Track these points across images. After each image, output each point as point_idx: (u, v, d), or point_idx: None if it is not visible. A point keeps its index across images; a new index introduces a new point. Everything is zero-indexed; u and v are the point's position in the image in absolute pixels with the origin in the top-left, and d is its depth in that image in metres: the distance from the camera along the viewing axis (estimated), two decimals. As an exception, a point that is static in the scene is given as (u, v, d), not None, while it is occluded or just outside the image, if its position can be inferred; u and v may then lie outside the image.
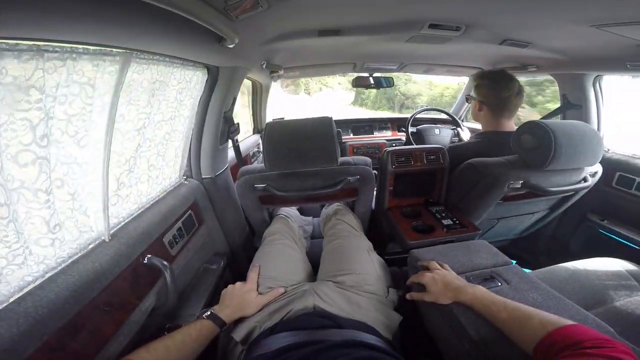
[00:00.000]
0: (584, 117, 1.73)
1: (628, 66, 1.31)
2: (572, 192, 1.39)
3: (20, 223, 0.61)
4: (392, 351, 0.74)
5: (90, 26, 0.57)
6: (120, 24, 0.62)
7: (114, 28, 0.62)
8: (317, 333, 0.75)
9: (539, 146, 1.16)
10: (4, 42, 0.49)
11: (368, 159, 1.39)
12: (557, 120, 1.81)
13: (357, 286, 0.95)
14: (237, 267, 1.58)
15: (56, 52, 0.57)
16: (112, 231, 0.86)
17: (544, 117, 1.88)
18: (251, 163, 2.28)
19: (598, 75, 1.67)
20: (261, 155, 2.50)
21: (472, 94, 1.60)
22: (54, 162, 0.66)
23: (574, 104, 1.74)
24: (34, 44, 0.52)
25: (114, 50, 0.70)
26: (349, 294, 0.92)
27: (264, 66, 1.67)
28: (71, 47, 0.60)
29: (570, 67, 1.61)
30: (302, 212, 2.07)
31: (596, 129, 1.65)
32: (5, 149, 0.56)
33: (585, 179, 1.34)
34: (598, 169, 1.39)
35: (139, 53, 0.78)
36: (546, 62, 1.64)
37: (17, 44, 0.50)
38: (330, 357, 0.64)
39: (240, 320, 0.87)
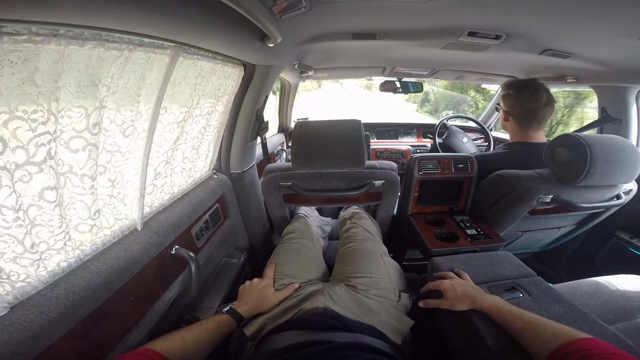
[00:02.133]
0: (623, 131, 1.67)
1: None
2: (603, 209, 1.33)
3: (65, 207, 0.63)
4: (397, 356, 0.74)
5: (147, 17, 0.60)
6: (172, 15, 0.64)
7: (166, 20, 0.64)
8: (325, 334, 0.75)
9: (573, 160, 1.12)
10: (71, 30, 0.51)
11: (394, 164, 1.39)
12: (593, 133, 1.75)
13: (369, 289, 0.94)
14: (255, 263, 1.60)
15: (115, 42, 0.59)
16: (144, 220, 0.88)
17: (579, 130, 1.82)
18: (275, 161, 2.31)
19: None
20: (284, 153, 2.53)
21: (500, 103, 1.56)
22: (100, 149, 0.69)
23: (614, 118, 1.68)
24: (97, 33, 0.55)
25: (165, 43, 0.73)
26: (360, 296, 0.92)
27: (296, 66, 1.69)
28: (129, 38, 0.62)
29: (612, 79, 1.56)
30: (320, 212, 2.08)
31: (635, 145, 1.59)
32: (59, 135, 0.58)
33: (618, 196, 1.29)
34: (633, 187, 1.33)
35: (187, 47, 0.81)
36: (586, 73, 1.59)
37: (83, 32, 0.53)
38: (334, 359, 0.65)
39: (252, 317, 0.88)
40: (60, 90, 0.54)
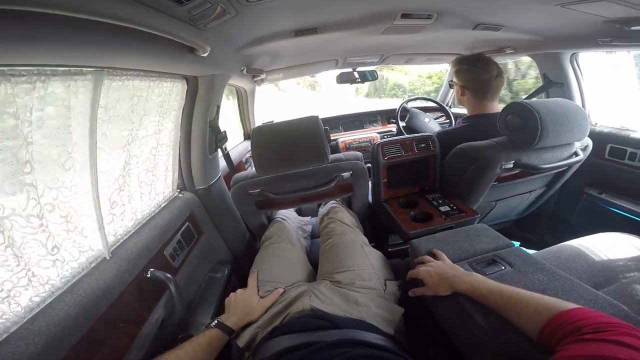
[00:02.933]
0: (567, 94, 1.75)
1: (599, 42, 1.32)
2: (566, 167, 1.39)
3: (18, 247, 0.63)
4: (391, 347, 0.74)
5: (56, 48, 0.58)
6: (86, 43, 0.62)
7: (80, 48, 0.62)
8: (314, 334, 0.75)
9: (525, 126, 1.16)
10: None
11: (359, 154, 1.40)
12: (540, 99, 1.83)
13: (353, 283, 0.94)
14: (241, 273, 1.58)
15: (23, 75, 0.57)
16: (112, 249, 0.88)
17: (527, 97, 1.89)
18: (245, 169, 2.28)
19: (574, 53, 1.68)
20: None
21: (454, 79, 1.61)
22: (41, 188, 0.67)
23: (555, 82, 1.76)
24: None
25: (84, 69, 0.71)
26: (345, 291, 0.91)
27: (244, 71, 1.67)
28: (38, 70, 0.60)
29: (545, 46, 1.63)
30: (300, 212, 2.08)
31: (580, 105, 1.67)
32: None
33: (576, 153, 1.35)
34: (588, 142, 1.40)
35: (111, 70, 0.79)
36: (521, 43, 1.66)
37: None
38: (326, 357, 0.65)
39: (243, 327, 0.88)
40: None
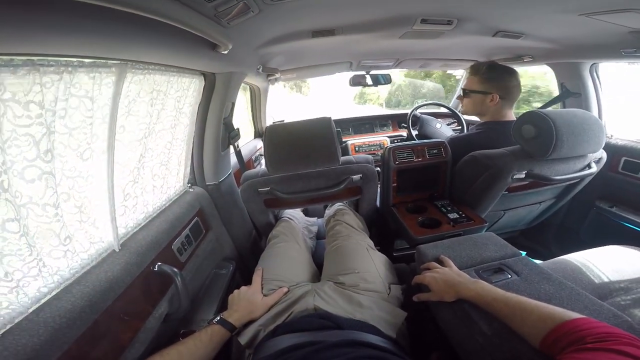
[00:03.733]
0: (584, 104, 1.72)
1: (623, 53, 1.30)
2: (578, 180, 1.37)
3: (32, 237, 0.63)
4: (393, 349, 0.74)
5: (83, 39, 0.58)
6: (113, 35, 0.63)
7: (106, 40, 0.63)
8: (317, 334, 0.76)
9: (540, 136, 1.15)
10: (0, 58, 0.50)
11: (369, 157, 1.40)
12: (556, 109, 1.81)
13: (357, 285, 0.95)
14: (246, 271, 1.59)
15: (51, 65, 0.58)
16: (121, 241, 0.88)
17: (543, 107, 1.87)
18: (254, 167, 2.29)
19: (594, 63, 1.66)
20: (263, 158, 2.52)
21: (477, 87, 1.56)
22: (59, 177, 0.68)
23: (573, 92, 1.73)
24: (28, 59, 0.53)
25: (109, 61, 0.71)
26: (349, 293, 0.92)
27: (260, 70, 1.68)
28: (66, 61, 0.61)
29: (565, 56, 1.61)
30: (307, 213, 2.08)
31: (597, 116, 1.64)
32: (11, 166, 0.57)
33: (589, 166, 1.33)
34: (602, 155, 1.38)
35: (134, 63, 0.80)
36: (541, 52, 1.64)
37: (12, 59, 0.51)
38: (327, 357, 0.65)
39: (245, 325, 0.88)
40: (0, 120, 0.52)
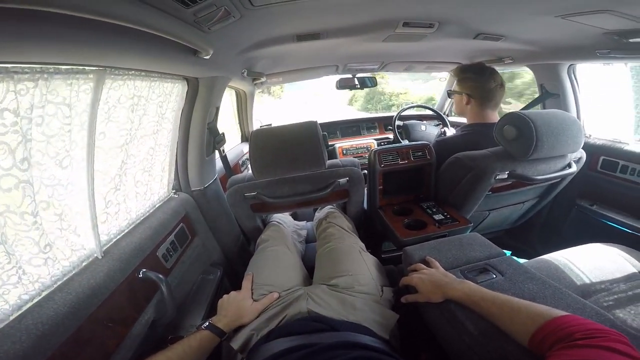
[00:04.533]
0: (563, 105, 1.76)
1: (598, 54, 1.33)
2: (559, 179, 1.40)
3: (10, 245, 0.62)
4: (388, 350, 0.74)
5: (59, 47, 0.58)
6: (90, 42, 0.62)
7: (83, 47, 0.62)
8: (312, 337, 0.75)
9: (521, 136, 1.17)
10: None
11: (356, 160, 1.40)
12: (537, 110, 1.85)
13: (351, 287, 0.95)
14: (234, 276, 1.57)
15: (26, 72, 0.57)
16: (104, 248, 0.87)
17: (525, 108, 1.91)
18: (241, 171, 2.28)
19: (571, 64, 1.70)
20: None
21: (456, 88, 1.62)
22: (37, 185, 0.67)
23: (552, 93, 1.77)
24: (2, 66, 0.53)
25: (87, 67, 0.70)
26: (343, 295, 0.92)
27: (245, 74, 1.67)
28: (41, 67, 0.60)
29: (543, 57, 1.64)
30: (296, 217, 2.07)
31: (575, 116, 1.68)
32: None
33: (569, 165, 1.36)
34: (581, 154, 1.41)
35: (113, 69, 0.79)
36: (520, 53, 1.67)
37: None
38: (325, 359, 0.65)
39: (237, 329, 0.87)
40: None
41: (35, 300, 0.66)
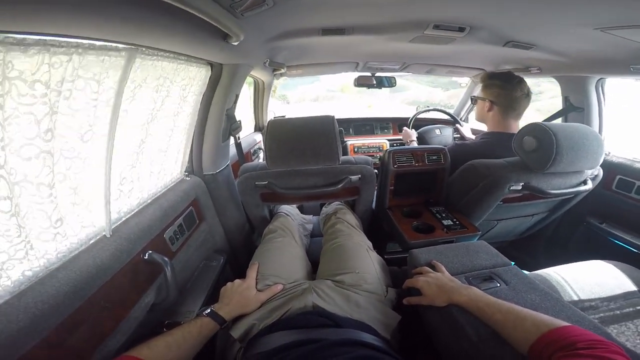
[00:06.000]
0: (586, 120, 1.73)
1: (632, 69, 1.30)
2: (572, 195, 1.38)
3: (23, 217, 0.61)
4: (389, 350, 0.74)
5: (97, 22, 0.57)
6: (126, 19, 0.62)
7: (119, 24, 0.62)
8: (316, 332, 0.75)
9: (541, 148, 1.15)
10: (12, 37, 0.49)
11: (369, 158, 1.40)
12: (559, 122, 1.82)
13: (356, 285, 0.95)
14: (237, 264, 1.58)
15: (62, 47, 0.57)
16: (113, 226, 0.86)
17: (547, 120, 1.88)
18: (252, 160, 2.28)
19: (601, 78, 1.66)
20: (262, 152, 2.52)
21: (480, 94, 1.60)
22: (57, 156, 0.67)
23: (576, 107, 1.74)
24: (40, 39, 0.52)
25: (120, 45, 0.70)
26: (348, 292, 0.92)
27: (267, 64, 1.67)
28: (77, 42, 0.60)
29: (573, 69, 1.61)
30: (302, 210, 2.07)
31: (597, 132, 1.65)
32: (9, 143, 0.56)
33: (585, 182, 1.34)
34: (599, 172, 1.39)
35: (143, 49, 0.78)
36: (549, 64, 1.63)
37: (24, 38, 0.50)
38: (328, 356, 0.65)
39: (238, 318, 0.87)
40: (3, 97, 0.51)
41: (38, 277, 0.64)
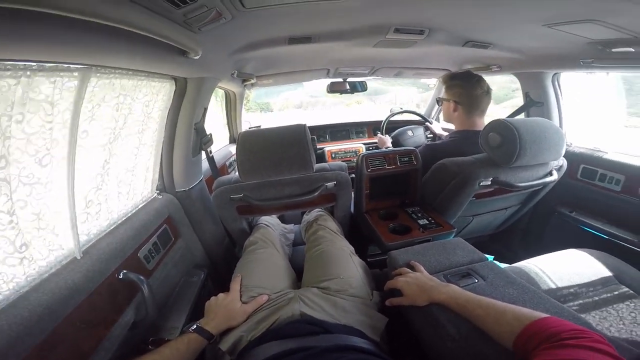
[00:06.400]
0: (546, 113, 1.81)
1: (581, 63, 1.36)
2: (540, 186, 1.44)
3: None
4: (380, 353, 0.75)
5: (44, 45, 0.56)
6: (77, 41, 0.61)
7: (69, 46, 0.61)
8: (306, 340, 0.75)
9: (505, 144, 1.20)
10: None
11: (343, 164, 1.41)
12: (521, 118, 1.89)
13: (342, 290, 0.95)
14: (219, 278, 1.55)
15: (8, 69, 0.55)
16: (83, 248, 0.85)
17: (510, 116, 1.95)
18: (228, 173, 2.25)
19: (556, 73, 1.74)
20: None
21: (443, 95, 1.65)
22: (15, 183, 0.65)
23: (536, 102, 1.82)
24: None
25: (72, 66, 0.69)
26: (334, 298, 0.92)
27: (235, 75, 1.66)
28: (24, 65, 0.58)
29: (529, 65, 1.68)
30: (283, 220, 2.06)
31: (558, 125, 1.73)
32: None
33: (551, 173, 1.40)
34: (563, 162, 1.45)
35: (99, 68, 0.77)
36: (507, 61, 1.70)
37: None
38: None
39: (226, 331, 0.86)
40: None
41: (9, 301, 0.64)
